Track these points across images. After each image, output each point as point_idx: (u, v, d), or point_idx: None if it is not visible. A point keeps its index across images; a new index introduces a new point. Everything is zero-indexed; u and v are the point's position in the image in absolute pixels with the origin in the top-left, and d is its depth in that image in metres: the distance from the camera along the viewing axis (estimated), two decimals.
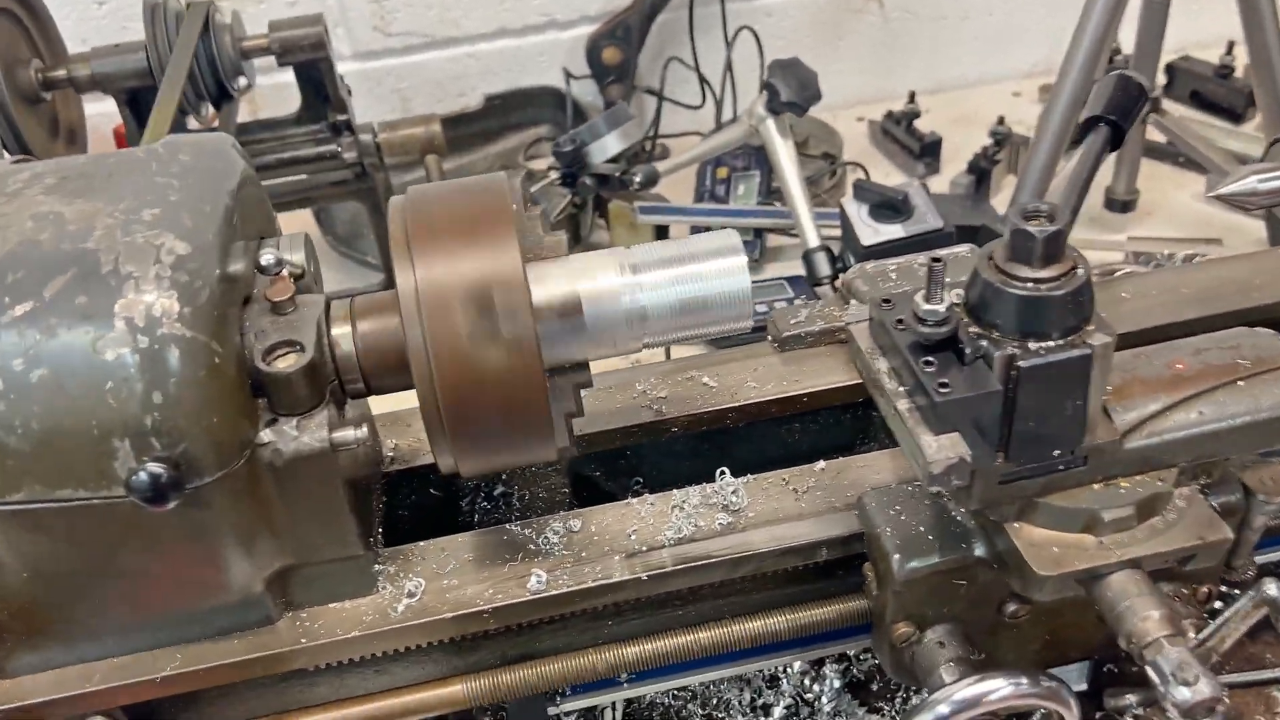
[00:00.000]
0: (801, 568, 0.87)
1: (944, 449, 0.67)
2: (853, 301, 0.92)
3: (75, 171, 0.79)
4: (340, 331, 0.78)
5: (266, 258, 0.78)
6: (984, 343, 0.69)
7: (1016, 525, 0.75)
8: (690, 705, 1.01)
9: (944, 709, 0.75)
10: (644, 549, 0.85)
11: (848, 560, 0.87)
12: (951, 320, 0.69)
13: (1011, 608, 0.82)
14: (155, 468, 0.67)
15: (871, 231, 1.36)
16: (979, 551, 0.79)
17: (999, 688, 0.75)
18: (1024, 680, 0.76)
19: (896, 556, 0.79)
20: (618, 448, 1.01)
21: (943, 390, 0.67)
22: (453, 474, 0.80)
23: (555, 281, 0.77)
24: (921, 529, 0.80)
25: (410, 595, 0.82)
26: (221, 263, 0.74)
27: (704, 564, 0.83)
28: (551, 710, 0.93)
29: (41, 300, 0.69)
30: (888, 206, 1.38)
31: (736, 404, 0.98)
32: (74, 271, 0.70)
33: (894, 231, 1.36)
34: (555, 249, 0.80)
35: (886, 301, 0.74)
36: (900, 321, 0.72)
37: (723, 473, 0.89)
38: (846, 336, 0.97)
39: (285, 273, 0.78)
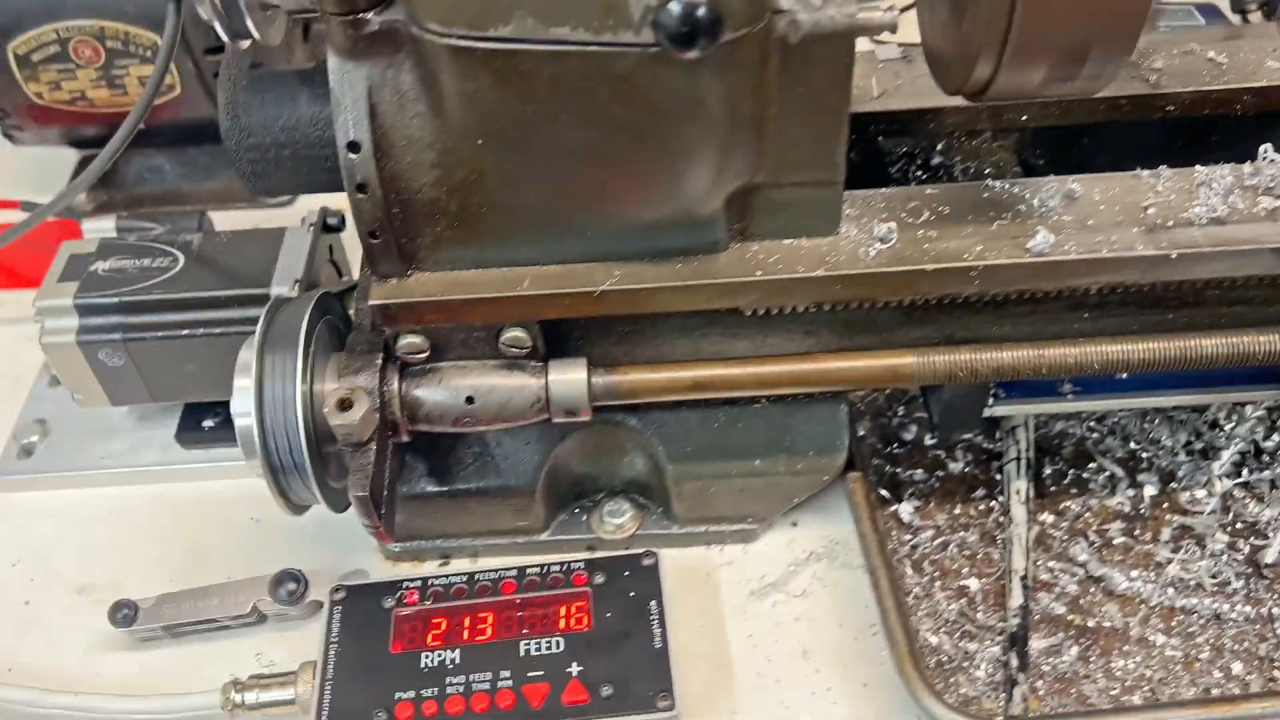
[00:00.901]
0: None
1: None
2: None
3: None
4: None
5: None
6: None
7: None
8: (1109, 439, 0.88)
9: None
10: (1168, 224, 0.69)
11: None
12: None
13: None
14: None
15: None
16: None
17: None
18: None
19: None
20: (1077, 128, 0.85)
21: None
22: (972, 93, 0.65)
23: None
24: None
25: (882, 240, 0.70)
26: None
27: (1250, 249, 0.68)
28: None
29: None
30: None
31: (1255, 85, 0.80)
32: None
33: None
34: None
35: None
36: None
37: (1268, 151, 0.72)
38: None
39: None
